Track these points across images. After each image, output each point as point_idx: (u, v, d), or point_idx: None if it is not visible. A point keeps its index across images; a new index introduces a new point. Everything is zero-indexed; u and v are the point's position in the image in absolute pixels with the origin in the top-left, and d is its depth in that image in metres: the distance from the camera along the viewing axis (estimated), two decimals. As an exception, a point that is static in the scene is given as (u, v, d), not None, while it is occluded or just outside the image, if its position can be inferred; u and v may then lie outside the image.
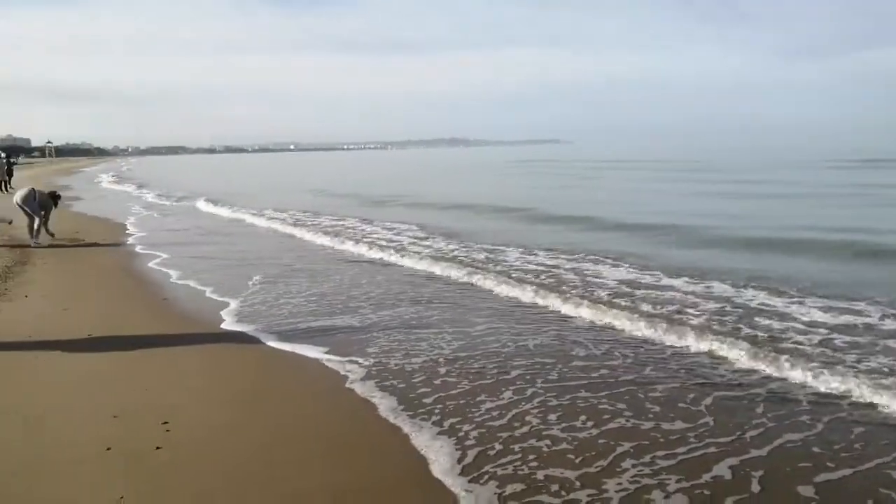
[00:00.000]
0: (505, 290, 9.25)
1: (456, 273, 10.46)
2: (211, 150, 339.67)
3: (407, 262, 11.75)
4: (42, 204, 14.25)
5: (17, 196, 14.24)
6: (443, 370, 6.08)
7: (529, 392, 5.51)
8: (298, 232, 16.40)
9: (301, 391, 5.77)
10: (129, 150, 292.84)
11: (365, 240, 14.44)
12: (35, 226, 14.09)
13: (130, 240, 15.46)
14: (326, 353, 6.68)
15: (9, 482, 4.08)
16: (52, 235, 14.54)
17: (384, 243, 13.89)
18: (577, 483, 4.03)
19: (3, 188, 31.68)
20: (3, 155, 40.06)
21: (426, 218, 18.66)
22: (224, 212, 22.14)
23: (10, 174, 33.73)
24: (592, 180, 36.35)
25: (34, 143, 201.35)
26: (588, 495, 3.88)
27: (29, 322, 7.79)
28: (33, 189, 14.45)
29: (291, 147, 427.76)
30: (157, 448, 4.54)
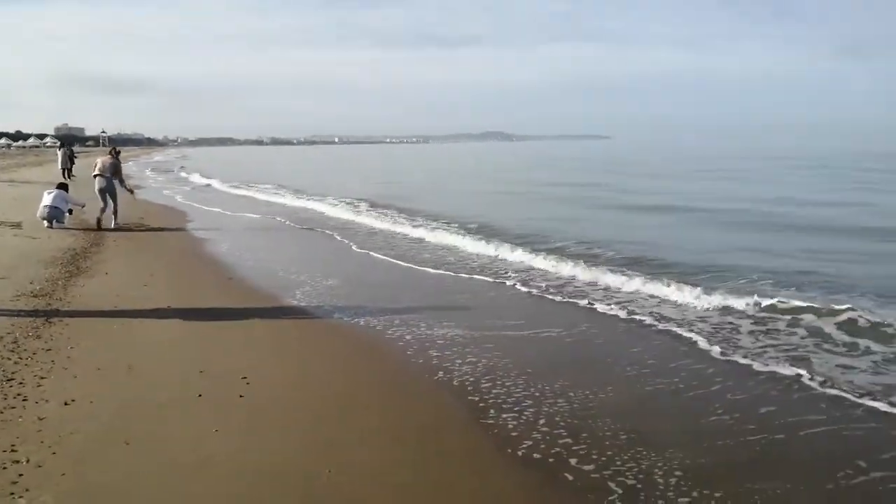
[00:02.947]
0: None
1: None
2: (259, 142, 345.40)
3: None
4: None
5: (101, 183, 15.26)
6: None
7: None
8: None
9: (358, 355, 6.64)
10: (179, 140, 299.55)
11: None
12: (114, 209, 15.34)
13: (191, 225, 16.55)
14: (379, 327, 7.50)
15: (115, 419, 4.91)
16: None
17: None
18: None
19: (67, 175, 33.32)
20: (63, 143, 41.85)
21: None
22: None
23: (72, 161, 35.44)
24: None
25: (87, 133, 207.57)
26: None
27: (113, 295, 8.72)
28: (111, 177, 15.51)
29: (336, 140, 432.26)
30: (241, 396, 5.38)
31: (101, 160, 15.63)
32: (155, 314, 7.86)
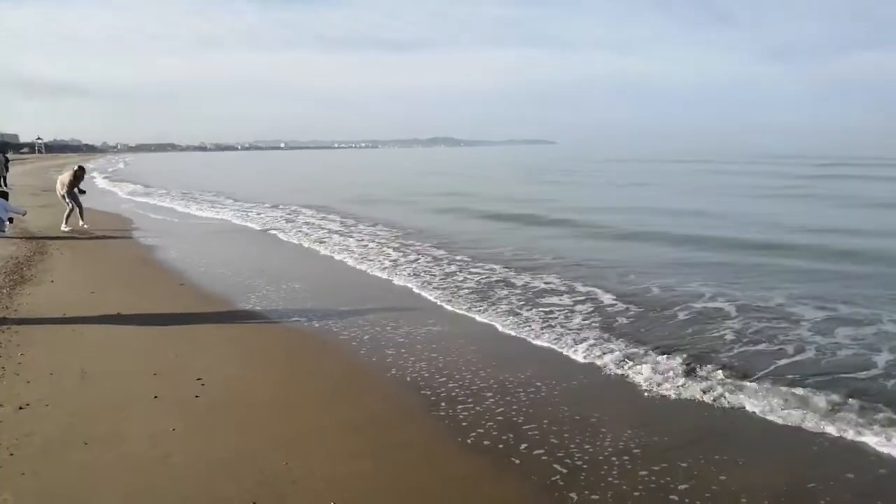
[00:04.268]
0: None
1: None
2: (202, 148, 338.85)
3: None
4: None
5: (61, 192, 16.51)
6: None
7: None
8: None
9: (312, 355, 6.79)
10: (118, 146, 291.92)
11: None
12: (79, 211, 16.40)
13: (137, 233, 16.34)
14: (334, 328, 7.67)
15: (72, 421, 4.98)
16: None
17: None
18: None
19: (3, 183, 32.30)
20: (-1, 151, 40.52)
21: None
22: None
23: (7, 169, 34.33)
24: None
25: (22, 139, 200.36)
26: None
27: (61, 302, 8.66)
28: (69, 190, 16.48)
29: (282, 145, 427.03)
30: (196, 396, 5.49)
31: (60, 179, 16.66)
32: (105, 320, 7.85)
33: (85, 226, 16.29)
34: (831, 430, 4.87)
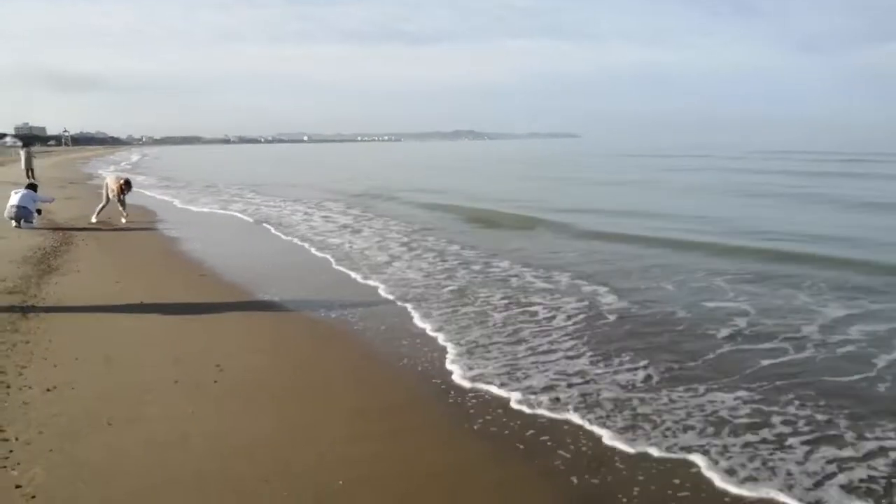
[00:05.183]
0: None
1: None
2: (226, 141, 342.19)
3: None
4: None
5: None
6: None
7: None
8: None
9: (328, 344, 6.98)
10: (144, 139, 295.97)
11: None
12: (123, 209, 16.79)
13: (161, 225, 16.68)
14: (336, 315, 7.87)
15: (96, 403, 5.20)
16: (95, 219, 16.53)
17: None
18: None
19: (31, 175, 32.99)
20: (24, 143, 41.36)
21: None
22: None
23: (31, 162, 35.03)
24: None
25: (49, 132, 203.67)
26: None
27: (86, 292, 8.93)
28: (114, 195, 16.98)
29: (305, 138, 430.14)
30: (215, 382, 5.70)
31: (108, 182, 17.13)
32: (129, 309, 8.10)
33: (124, 221, 16.52)
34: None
